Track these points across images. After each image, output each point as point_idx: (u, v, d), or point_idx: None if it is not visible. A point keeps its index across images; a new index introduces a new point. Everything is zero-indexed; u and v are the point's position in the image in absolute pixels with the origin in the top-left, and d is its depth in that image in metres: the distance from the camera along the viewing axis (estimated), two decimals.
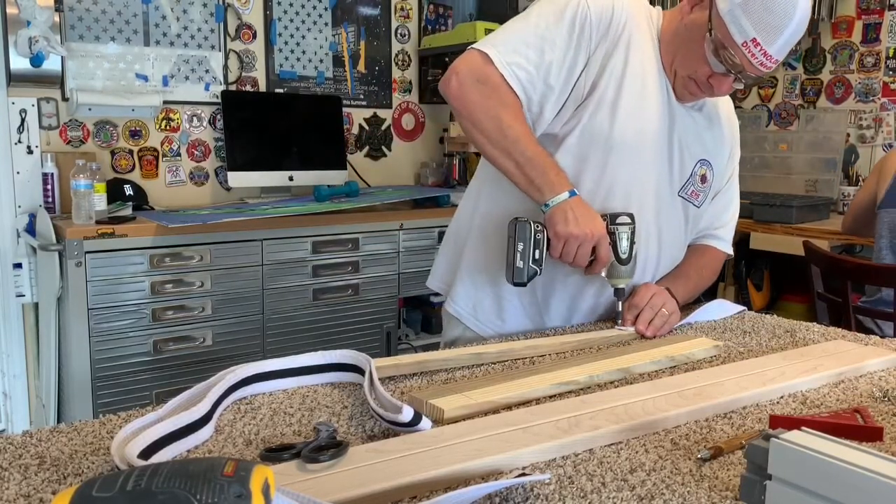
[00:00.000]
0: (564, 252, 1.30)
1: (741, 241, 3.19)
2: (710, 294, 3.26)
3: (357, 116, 3.83)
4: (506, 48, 1.30)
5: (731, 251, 1.61)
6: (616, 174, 1.36)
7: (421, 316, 3.69)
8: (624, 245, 1.34)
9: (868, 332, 2.00)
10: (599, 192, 1.37)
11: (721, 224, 1.58)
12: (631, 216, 1.35)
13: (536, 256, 1.30)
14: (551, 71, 1.31)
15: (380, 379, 1.04)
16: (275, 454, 0.81)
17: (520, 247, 1.29)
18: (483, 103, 1.28)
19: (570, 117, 1.36)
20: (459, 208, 1.59)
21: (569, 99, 1.35)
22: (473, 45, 1.32)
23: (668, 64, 1.37)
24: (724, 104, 1.52)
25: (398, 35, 3.93)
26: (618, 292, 1.39)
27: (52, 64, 2.94)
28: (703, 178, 1.47)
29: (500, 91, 1.29)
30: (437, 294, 1.67)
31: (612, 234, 1.33)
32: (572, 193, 1.29)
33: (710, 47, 1.27)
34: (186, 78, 3.31)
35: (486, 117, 1.29)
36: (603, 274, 1.36)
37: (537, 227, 1.30)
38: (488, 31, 3.97)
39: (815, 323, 1.52)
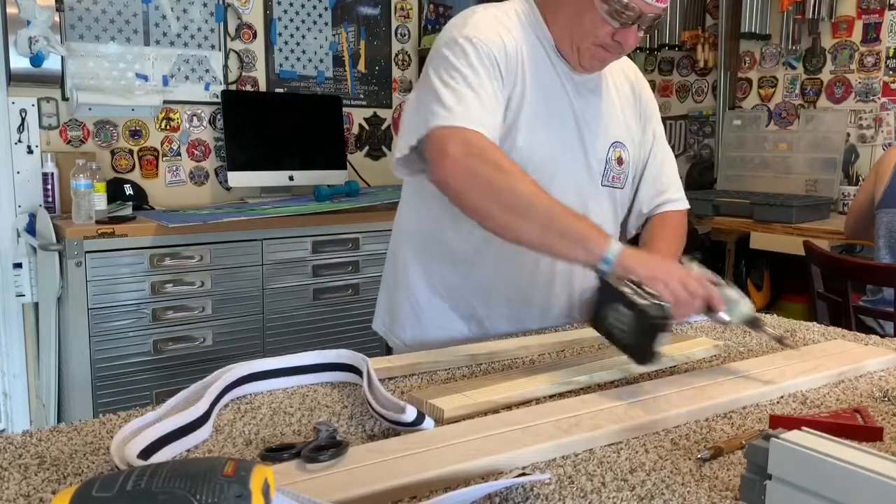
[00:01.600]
0: (675, 295, 1.08)
1: (741, 240, 3.18)
2: None
3: (357, 116, 3.83)
4: (460, 111, 1.20)
5: (687, 205, 1.55)
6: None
7: None
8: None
9: (869, 331, 2.00)
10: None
11: (664, 188, 1.52)
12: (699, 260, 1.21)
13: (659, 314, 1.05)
14: (497, 108, 1.25)
15: (378, 379, 1.04)
16: (275, 454, 0.81)
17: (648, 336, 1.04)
18: (483, 182, 1.16)
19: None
20: (391, 247, 1.54)
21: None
22: (432, 126, 1.20)
23: (569, 45, 1.31)
24: (624, 80, 1.48)
25: (398, 35, 3.93)
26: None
27: (52, 64, 2.94)
28: (620, 161, 1.44)
29: (495, 160, 1.18)
30: None
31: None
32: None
33: (602, 7, 1.23)
34: (186, 78, 3.31)
35: (492, 192, 1.16)
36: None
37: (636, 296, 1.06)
38: None
39: (815, 323, 1.52)
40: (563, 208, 1.17)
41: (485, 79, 1.24)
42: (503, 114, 1.27)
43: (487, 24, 1.28)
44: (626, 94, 1.47)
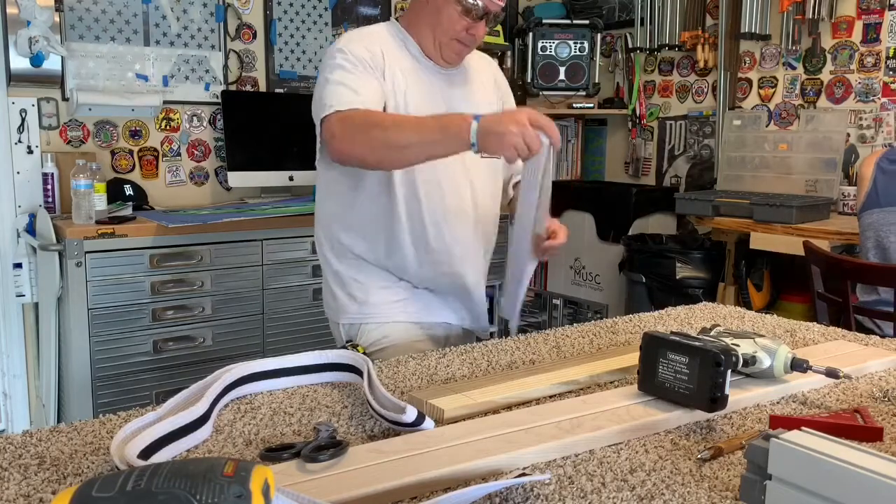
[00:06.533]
0: (520, 148, 1.31)
1: (741, 240, 3.18)
2: (710, 295, 3.26)
3: None
4: (337, 101, 1.49)
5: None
6: (429, 168, 1.56)
7: None
8: None
9: (868, 332, 2.00)
10: (428, 184, 1.59)
11: None
12: None
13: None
14: (368, 84, 1.53)
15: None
16: (275, 454, 0.81)
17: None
18: (362, 134, 1.46)
19: None
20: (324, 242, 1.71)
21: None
22: (321, 117, 1.51)
23: (431, 43, 1.62)
24: (489, 74, 1.79)
25: None
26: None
27: (52, 64, 2.94)
28: None
29: (364, 116, 1.48)
30: None
31: None
32: (476, 118, 1.34)
33: (458, 8, 1.56)
34: (186, 78, 3.31)
35: (371, 138, 1.45)
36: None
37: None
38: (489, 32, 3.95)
39: (815, 323, 1.52)
40: (426, 117, 1.45)
41: (354, 71, 1.54)
42: (383, 94, 1.55)
43: (356, 39, 1.62)
44: (488, 85, 1.78)
